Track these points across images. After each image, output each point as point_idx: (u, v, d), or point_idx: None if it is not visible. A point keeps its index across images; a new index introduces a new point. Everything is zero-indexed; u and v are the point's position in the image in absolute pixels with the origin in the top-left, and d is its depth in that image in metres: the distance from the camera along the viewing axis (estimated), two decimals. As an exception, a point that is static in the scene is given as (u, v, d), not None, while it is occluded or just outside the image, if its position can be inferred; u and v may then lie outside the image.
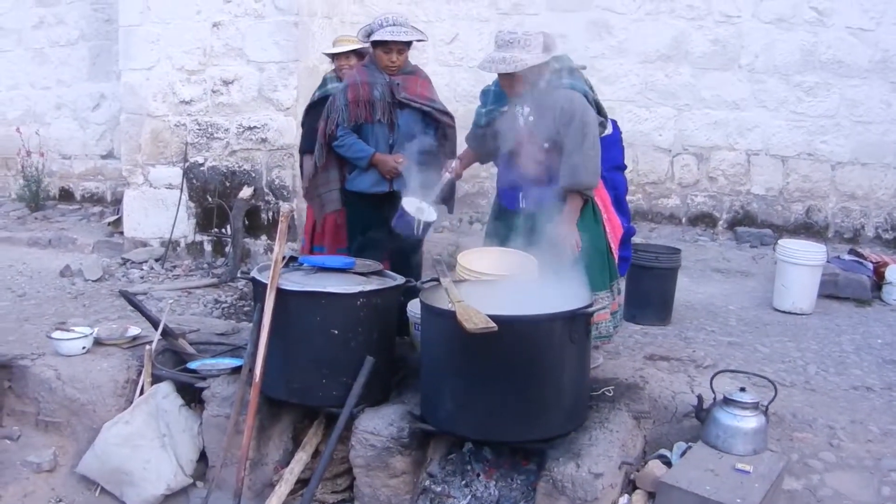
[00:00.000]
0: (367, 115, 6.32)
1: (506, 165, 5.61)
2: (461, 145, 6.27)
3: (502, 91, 5.51)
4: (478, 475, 4.77)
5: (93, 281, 9.04)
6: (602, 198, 5.68)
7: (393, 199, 6.25)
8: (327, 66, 9.92)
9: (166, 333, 6.18)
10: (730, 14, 9.95)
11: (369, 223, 6.39)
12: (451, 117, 6.53)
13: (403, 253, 6.29)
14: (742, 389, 4.76)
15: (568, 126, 5.23)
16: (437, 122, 6.45)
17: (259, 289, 5.17)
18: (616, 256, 5.80)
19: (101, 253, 10.40)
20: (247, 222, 9.54)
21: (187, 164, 9.93)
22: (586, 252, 5.40)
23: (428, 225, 5.86)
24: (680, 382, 5.48)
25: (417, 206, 5.86)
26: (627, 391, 5.31)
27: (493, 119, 5.62)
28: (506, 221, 5.56)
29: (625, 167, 6.32)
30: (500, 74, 5.31)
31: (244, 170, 9.75)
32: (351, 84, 6.38)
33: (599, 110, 5.50)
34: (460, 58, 10.68)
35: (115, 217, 11.26)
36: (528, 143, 5.39)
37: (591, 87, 5.52)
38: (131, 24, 10.00)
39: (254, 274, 5.31)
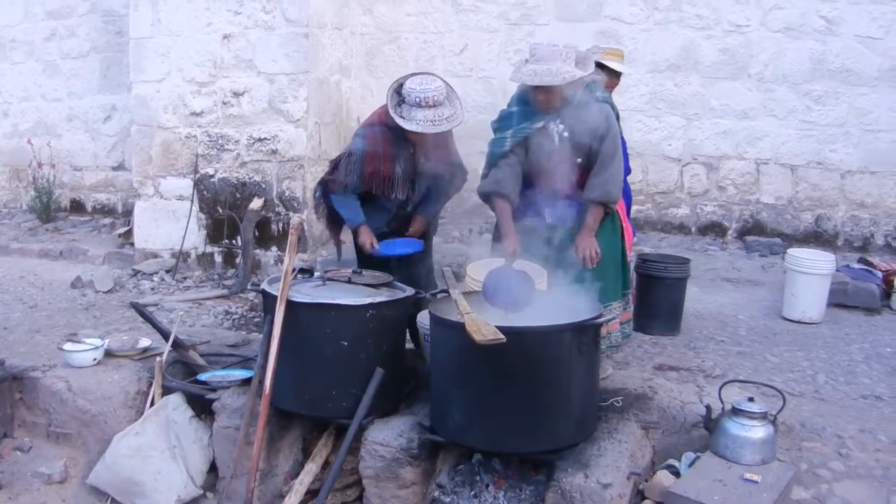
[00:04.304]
0: (386, 192, 5.96)
1: (531, 180, 5.59)
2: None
3: (527, 110, 5.49)
4: (487, 486, 4.77)
5: (104, 292, 9.08)
6: (619, 207, 5.71)
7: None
8: (337, 78, 10.00)
9: (177, 345, 6.21)
10: (739, 23, 9.94)
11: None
12: (464, 171, 6.22)
13: (410, 266, 6.17)
14: (750, 399, 4.77)
15: (602, 141, 5.30)
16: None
17: (269, 301, 5.19)
18: (631, 263, 5.85)
19: (112, 264, 10.43)
20: (257, 233, 9.58)
21: (198, 175, 9.96)
22: (602, 262, 5.45)
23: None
24: (689, 392, 5.49)
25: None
26: (636, 401, 5.32)
27: (525, 137, 5.50)
28: (530, 235, 5.51)
29: (629, 172, 6.35)
30: (536, 88, 5.27)
31: (255, 181, 9.78)
32: (371, 154, 5.89)
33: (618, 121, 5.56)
34: (470, 68, 10.69)
35: (126, 228, 11.29)
36: (561, 159, 5.42)
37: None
38: (142, 37, 10.05)
39: (264, 286, 5.33)
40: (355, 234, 6.07)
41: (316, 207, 6.43)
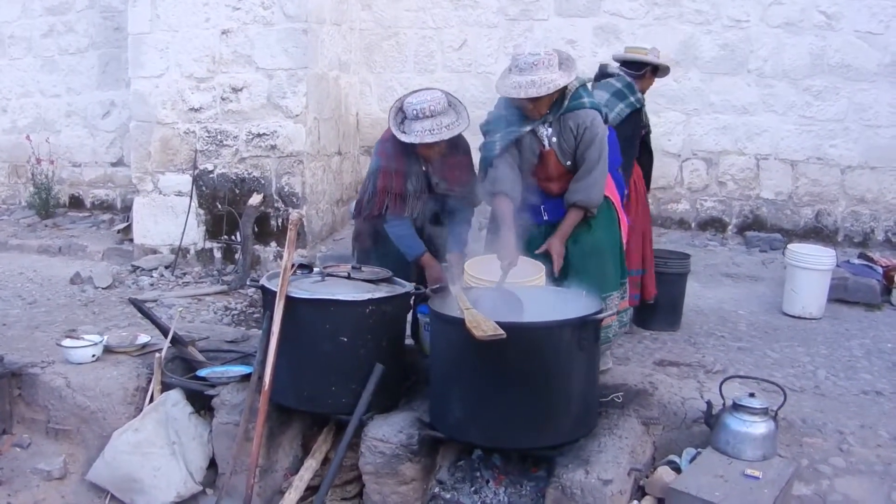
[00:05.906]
0: (398, 210, 5.78)
1: (526, 182, 5.52)
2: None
3: (515, 112, 5.43)
4: (487, 482, 4.76)
5: (103, 288, 9.06)
6: (614, 197, 5.72)
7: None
8: (336, 73, 9.99)
9: (176, 341, 6.18)
10: (738, 18, 9.92)
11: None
12: (476, 196, 6.00)
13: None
14: (751, 395, 4.76)
15: (589, 146, 5.32)
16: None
17: (268, 296, 5.17)
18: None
19: (111, 260, 10.42)
20: (256, 229, 9.57)
21: (197, 171, 9.95)
22: (602, 254, 5.48)
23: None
24: (689, 388, 5.47)
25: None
26: (637, 397, 5.31)
27: (516, 140, 5.45)
28: (528, 233, 5.47)
29: (621, 163, 6.33)
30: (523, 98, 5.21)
31: (254, 177, 9.77)
32: (383, 170, 5.81)
33: (605, 120, 5.54)
34: (469, 63, 10.67)
35: (125, 224, 11.27)
36: (551, 163, 5.47)
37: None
38: (141, 32, 10.03)
39: (263, 282, 5.30)
40: (419, 265, 5.86)
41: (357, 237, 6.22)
